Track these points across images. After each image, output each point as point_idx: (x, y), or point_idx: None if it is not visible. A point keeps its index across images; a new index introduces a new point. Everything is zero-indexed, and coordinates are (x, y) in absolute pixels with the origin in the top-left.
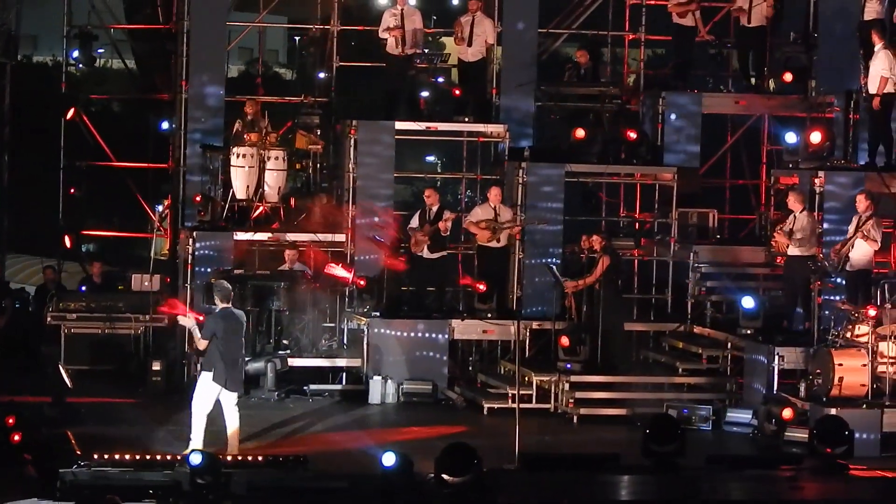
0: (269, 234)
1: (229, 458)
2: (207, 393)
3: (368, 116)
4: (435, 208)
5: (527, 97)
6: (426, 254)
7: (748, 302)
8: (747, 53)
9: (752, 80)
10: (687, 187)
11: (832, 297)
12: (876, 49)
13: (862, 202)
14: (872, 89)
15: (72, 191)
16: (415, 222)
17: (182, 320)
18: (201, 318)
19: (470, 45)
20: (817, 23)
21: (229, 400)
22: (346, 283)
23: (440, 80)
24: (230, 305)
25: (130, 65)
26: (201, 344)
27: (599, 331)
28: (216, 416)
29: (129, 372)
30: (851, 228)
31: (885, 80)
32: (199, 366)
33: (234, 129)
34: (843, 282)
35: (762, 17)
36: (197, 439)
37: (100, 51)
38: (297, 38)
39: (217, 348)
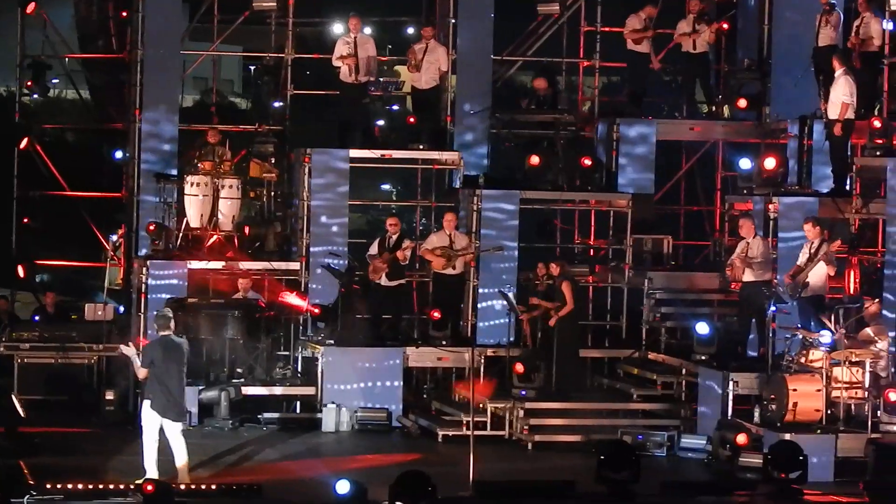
0: (224, 263)
1: (182, 486)
2: (149, 422)
3: (323, 144)
4: (395, 237)
5: (481, 124)
6: (384, 281)
7: (702, 328)
8: (694, 79)
9: (704, 106)
10: (641, 214)
11: (786, 323)
12: (836, 75)
13: (810, 230)
14: (833, 115)
15: (25, 220)
16: (373, 250)
17: (123, 349)
18: None
19: (419, 70)
20: (771, 49)
21: (172, 430)
22: (300, 311)
23: (395, 107)
24: (171, 333)
25: (84, 95)
26: (140, 373)
27: (554, 357)
28: (167, 445)
29: (82, 402)
30: (803, 256)
31: (847, 105)
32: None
33: (194, 156)
34: (798, 307)
35: (705, 44)
36: (150, 468)
37: (54, 81)
38: (252, 68)
39: (154, 376)
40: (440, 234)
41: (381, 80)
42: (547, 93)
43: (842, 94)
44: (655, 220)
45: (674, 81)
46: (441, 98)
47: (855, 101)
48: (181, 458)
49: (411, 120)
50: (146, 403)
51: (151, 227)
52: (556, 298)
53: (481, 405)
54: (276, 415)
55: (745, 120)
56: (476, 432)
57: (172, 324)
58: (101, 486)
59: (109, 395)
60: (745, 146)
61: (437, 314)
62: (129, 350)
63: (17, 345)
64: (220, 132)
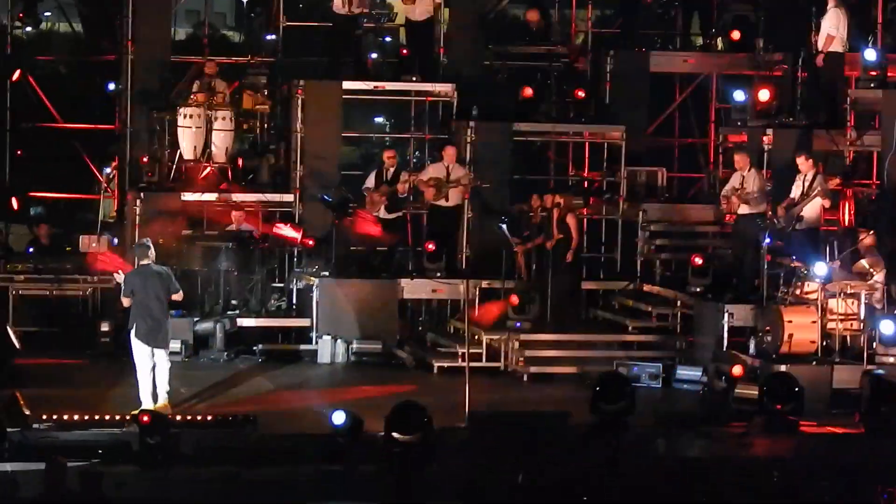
0: (217, 195)
1: (178, 417)
2: (139, 350)
3: (315, 76)
4: (392, 169)
5: (474, 57)
6: (383, 214)
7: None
8: (692, 13)
9: (700, 40)
10: (635, 146)
11: (781, 255)
12: (828, 7)
13: (804, 162)
14: (821, 47)
15: (18, 153)
16: (370, 182)
17: (117, 277)
18: None
19: (413, 2)
20: None
21: (160, 356)
22: (294, 242)
23: (387, 39)
24: (150, 262)
25: (77, 27)
26: (125, 301)
27: (549, 289)
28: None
29: (77, 333)
30: (796, 189)
31: (832, 38)
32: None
33: (189, 87)
34: (792, 239)
35: None
36: (146, 399)
37: (46, 14)
38: (244, 1)
39: (136, 305)
40: (437, 166)
41: (374, 12)
42: (539, 25)
43: (828, 27)
44: (648, 152)
45: (666, 14)
46: (434, 30)
47: (844, 34)
48: (162, 391)
49: (404, 52)
50: (131, 332)
51: (144, 159)
52: (559, 231)
53: (476, 336)
54: (271, 346)
55: (738, 52)
56: (471, 364)
57: (151, 252)
58: (96, 417)
59: (104, 327)
60: (739, 78)
61: (431, 246)
62: (119, 277)
63: (12, 277)
64: (217, 65)
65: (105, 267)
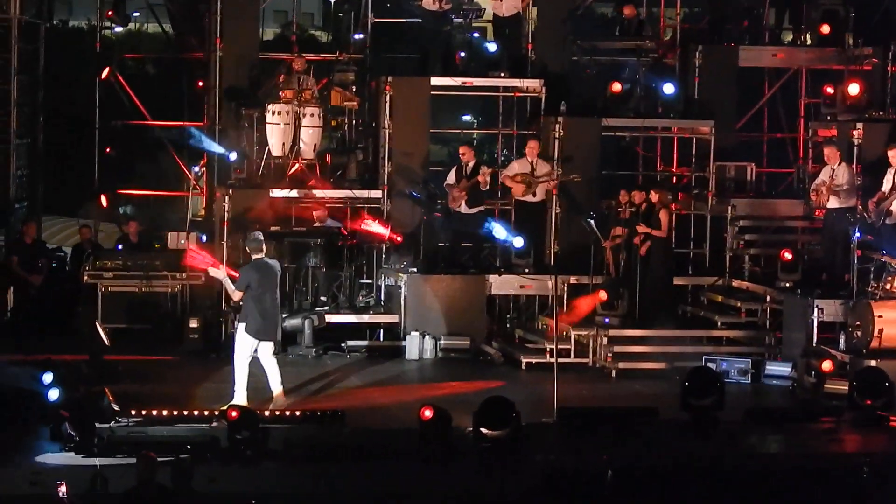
0: (306, 191)
1: (266, 413)
2: (244, 345)
3: (404, 73)
4: (471, 164)
5: (562, 52)
6: (464, 209)
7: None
8: (785, 8)
9: (790, 35)
10: (724, 141)
11: (872, 249)
12: None
13: (895, 156)
14: None
15: (107, 151)
16: (451, 178)
17: (213, 272)
18: (236, 273)
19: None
20: None
21: (265, 350)
22: (382, 239)
23: (475, 35)
24: (264, 256)
25: (165, 27)
26: (235, 296)
27: (639, 284)
28: (256, 371)
29: (166, 330)
30: (887, 182)
31: None
32: (236, 320)
33: (278, 83)
34: (883, 233)
35: None
36: (240, 394)
37: (135, 14)
38: (332, 1)
39: (251, 299)
40: (522, 161)
41: (462, 8)
42: (634, 17)
43: None
44: (738, 147)
45: (755, 9)
46: (522, 25)
47: None
48: (276, 382)
49: (493, 48)
50: (241, 327)
51: (233, 156)
52: (649, 225)
53: (564, 333)
54: (359, 343)
55: (828, 46)
56: (559, 360)
57: (264, 246)
58: (185, 413)
59: (193, 324)
60: (829, 72)
61: (519, 242)
62: (218, 273)
63: (101, 274)
64: (306, 61)
65: (195, 264)
